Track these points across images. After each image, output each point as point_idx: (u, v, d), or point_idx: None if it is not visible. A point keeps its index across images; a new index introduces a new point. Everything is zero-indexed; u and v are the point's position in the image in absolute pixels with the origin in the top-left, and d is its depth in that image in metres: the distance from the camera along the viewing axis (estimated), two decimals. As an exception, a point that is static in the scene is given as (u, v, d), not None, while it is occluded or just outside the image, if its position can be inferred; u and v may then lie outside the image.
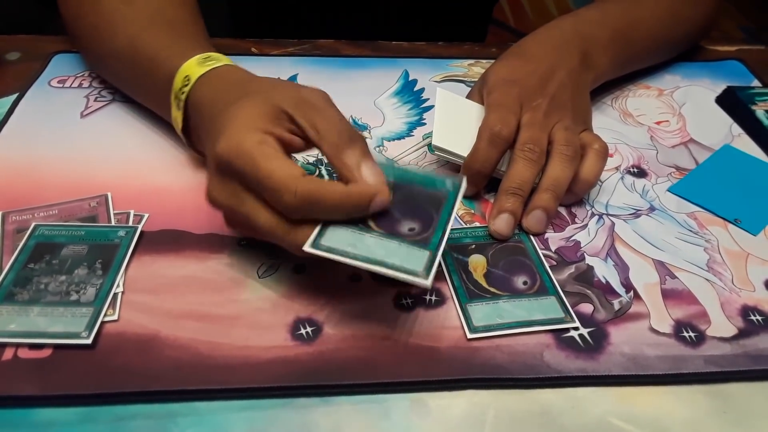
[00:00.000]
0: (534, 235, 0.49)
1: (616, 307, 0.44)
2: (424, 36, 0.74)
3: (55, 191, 0.50)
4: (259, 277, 0.44)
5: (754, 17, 2.12)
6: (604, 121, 0.62)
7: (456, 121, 0.53)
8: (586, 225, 0.51)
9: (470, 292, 0.44)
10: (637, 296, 0.45)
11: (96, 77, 0.63)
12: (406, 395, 0.38)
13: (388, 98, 0.64)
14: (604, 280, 0.46)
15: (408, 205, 0.42)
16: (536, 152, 0.49)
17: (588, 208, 0.52)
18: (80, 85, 0.62)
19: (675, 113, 0.65)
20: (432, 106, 0.63)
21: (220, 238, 0.47)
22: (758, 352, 0.42)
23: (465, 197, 0.52)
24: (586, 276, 0.46)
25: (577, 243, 0.49)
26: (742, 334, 0.43)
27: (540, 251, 0.47)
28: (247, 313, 0.42)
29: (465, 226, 0.49)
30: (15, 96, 0.60)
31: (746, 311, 0.45)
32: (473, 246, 0.47)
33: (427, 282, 0.37)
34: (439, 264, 0.38)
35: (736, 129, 0.63)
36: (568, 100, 0.54)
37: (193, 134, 0.49)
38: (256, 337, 0.41)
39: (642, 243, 0.49)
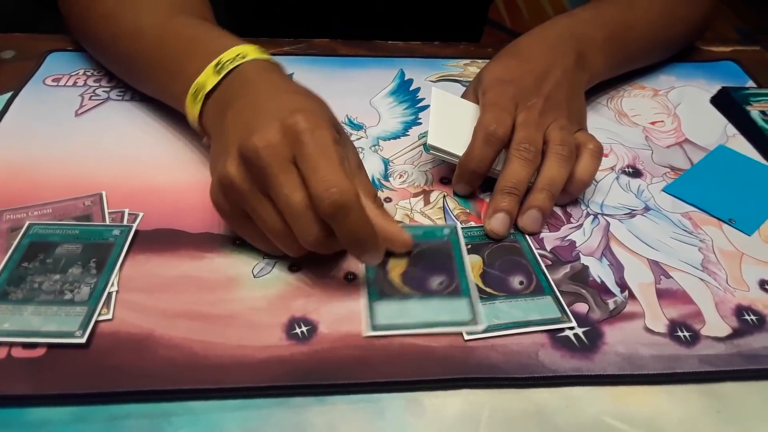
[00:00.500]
0: (529, 234, 0.49)
1: (611, 306, 0.44)
2: (419, 36, 0.74)
3: (50, 190, 0.49)
4: (254, 277, 0.44)
5: (749, 18, 2.13)
6: (600, 121, 0.63)
7: (451, 121, 0.53)
8: (582, 225, 0.51)
9: (465, 292, 0.44)
10: (632, 296, 0.45)
11: (91, 76, 0.62)
12: (401, 395, 0.38)
13: (384, 98, 0.64)
14: (599, 280, 0.46)
15: (425, 261, 0.46)
16: (532, 152, 0.49)
17: (583, 207, 0.52)
18: (75, 84, 0.62)
19: (670, 113, 0.65)
20: (427, 106, 0.62)
21: (214, 237, 0.47)
22: (752, 352, 0.42)
23: (460, 197, 0.52)
24: (581, 275, 0.46)
25: (572, 243, 0.49)
26: (736, 333, 0.43)
27: (536, 251, 0.48)
28: (242, 312, 0.42)
29: (461, 226, 0.49)
30: (9, 94, 0.59)
31: (740, 311, 0.45)
32: (469, 246, 0.47)
33: (480, 327, 0.41)
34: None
35: (731, 129, 0.63)
36: (563, 100, 0.54)
37: (214, 107, 0.48)
38: (250, 337, 0.40)
39: (637, 243, 0.49)
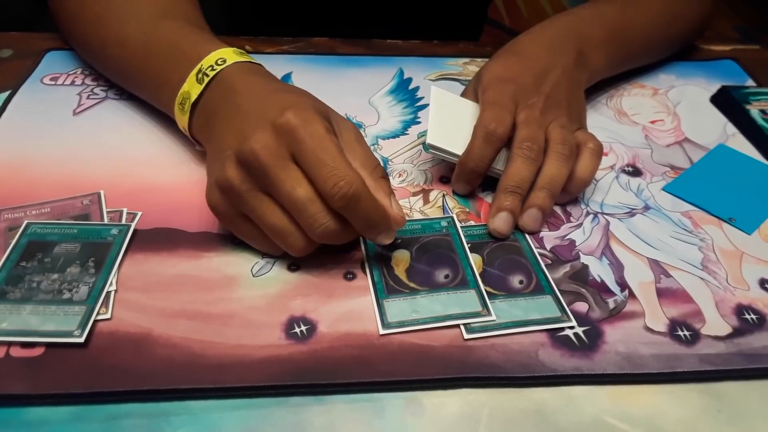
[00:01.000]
0: (529, 233, 0.49)
1: (611, 305, 0.44)
2: (419, 35, 0.74)
3: (48, 189, 0.49)
4: (253, 276, 0.44)
5: (749, 17, 2.13)
6: (599, 120, 0.62)
7: (451, 119, 0.53)
8: (581, 224, 0.51)
9: (465, 291, 0.44)
10: (631, 295, 0.45)
11: (89, 74, 0.62)
12: (400, 394, 0.38)
13: (383, 96, 0.63)
14: (599, 279, 0.46)
15: (428, 255, 0.46)
16: (534, 150, 0.49)
17: (583, 206, 0.52)
18: (73, 83, 0.61)
19: (670, 112, 0.65)
20: (427, 105, 0.62)
21: (213, 236, 0.47)
22: (752, 351, 0.42)
23: (460, 196, 0.52)
24: (581, 275, 0.46)
25: (572, 242, 0.49)
26: (736, 332, 0.43)
27: (535, 250, 0.47)
28: (241, 311, 0.42)
29: (461, 225, 0.49)
30: (7, 93, 0.59)
31: (741, 310, 0.45)
32: (469, 245, 0.47)
33: (493, 316, 0.42)
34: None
35: (731, 128, 0.63)
36: (563, 99, 0.54)
37: (201, 116, 0.48)
38: (249, 336, 0.40)
39: (637, 242, 0.49)
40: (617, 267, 0.47)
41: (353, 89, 0.64)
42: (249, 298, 0.43)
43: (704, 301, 0.45)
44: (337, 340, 0.40)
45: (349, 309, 0.43)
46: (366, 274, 0.45)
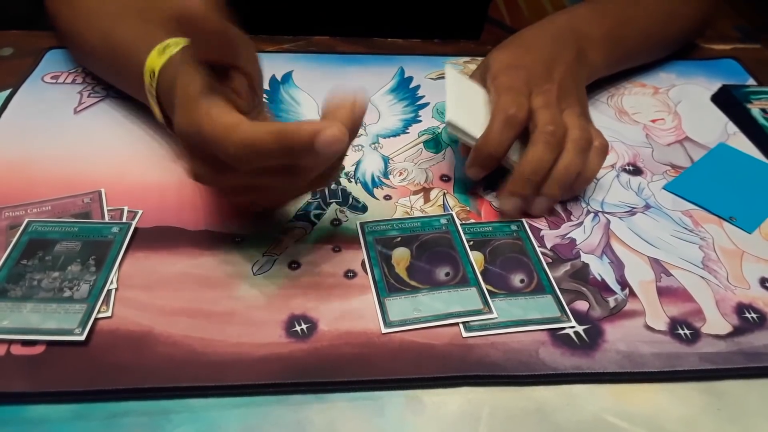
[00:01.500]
0: (532, 217, 0.49)
1: (612, 304, 0.44)
2: (419, 33, 0.74)
3: (49, 187, 0.49)
4: (254, 274, 0.44)
5: (750, 16, 2.12)
6: (600, 119, 0.62)
7: (466, 100, 0.52)
8: (582, 222, 0.51)
9: (465, 290, 0.44)
10: (632, 294, 0.45)
11: (90, 73, 0.62)
12: (400, 392, 0.38)
13: (384, 95, 0.63)
14: (599, 278, 0.46)
15: (428, 252, 0.46)
16: (557, 136, 0.48)
17: (584, 205, 0.52)
18: (74, 81, 0.61)
19: (670, 111, 0.65)
20: (427, 104, 0.62)
21: (214, 234, 0.47)
22: (753, 350, 0.42)
23: (461, 193, 0.52)
24: (581, 273, 0.46)
25: (573, 240, 0.49)
26: (737, 331, 0.43)
27: (537, 249, 0.47)
28: (242, 309, 0.42)
29: (461, 222, 0.49)
30: (8, 92, 0.59)
31: (741, 309, 0.45)
32: (471, 243, 0.47)
33: (494, 314, 0.42)
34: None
35: (732, 127, 0.63)
36: (573, 89, 0.53)
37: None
38: (250, 334, 0.40)
39: (637, 240, 0.49)
40: (618, 266, 0.47)
41: (354, 88, 0.63)
42: (249, 297, 0.43)
43: (705, 299, 0.45)
44: (337, 339, 0.40)
45: (350, 307, 0.43)
46: (366, 273, 0.45)
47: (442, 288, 0.44)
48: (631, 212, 0.52)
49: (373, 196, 0.52)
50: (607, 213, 0.52)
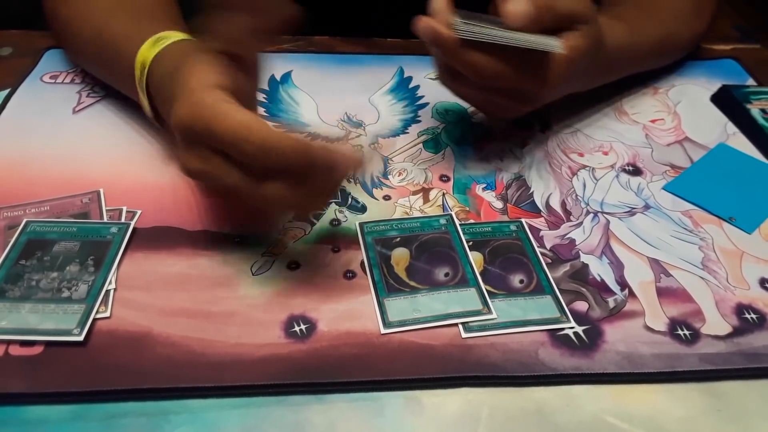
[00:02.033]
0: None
1: (611, 305, 0.44)
2: (419, 33, 0.73)
3: (47, 187, 0.49)
4: (253, 274, 0.44)
5: (749, 16, 2.12)
6: (599, 120, 0.62)
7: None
8: (581, 223, 0.51)
9: (465, 290, 0.44)
10: (632, 294, 0.45)
11: (89, 72, 0.62)
12: (400, 393, 0.38)
13: (383, 95, 0.63)
14: (599, 278, 0.46)
15: (428, 253, 0.46)
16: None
17: (583, 205, 0.52)
18: (72, 81, 0.61)
19: (670, 111, 0.65)
20: (426, 104, 0.62)
21: (213, 234, 0.47)
22: (753, 350, 0.42)
23: (461, 193, 0.52)
24: (581, 274, 0.46)
25: (572, 241, 0.49)
26: (736, 332, 0.43)
27: (537, 249, 0.47)
28: (241, 310, 0.42)
29: (460, 223, 0.49)
30: (6, 92, 0.59)
31: (741, 309, 0.45)
32: (470, 243, 0.47)
33: (494, 314, 0.42)
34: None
35: (731, 127, 0.63)
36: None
37: (163, 119, 0.48)
38: (249, 335, 0.40)
39: (637, 241, 0.49)
40: (617, 266, 0.47)
41: (353, 88, 0.64)
42: (248, 297, 0.43)
43: (704, 300, 0.45)
44: (336, 339, 0.40)
45: (349, 308, 0.42)
46: (366, 273, 0.45)
47: (442, 288, 0.43)
48: (631, 212, 0.52)
49: (372, 196, 0.52)
50: (607, 213, 0.52)
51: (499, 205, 0.52)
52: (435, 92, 0.64)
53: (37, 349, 0.39)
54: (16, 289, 0.41)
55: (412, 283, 0.44)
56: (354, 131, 0.58)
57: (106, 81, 0.58)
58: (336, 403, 0.38)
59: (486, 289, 0.44)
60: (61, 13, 0.58)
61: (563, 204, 0.52)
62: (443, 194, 0.52)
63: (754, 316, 0.44)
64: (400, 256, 0.46)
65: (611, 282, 0.46)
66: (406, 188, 0.53)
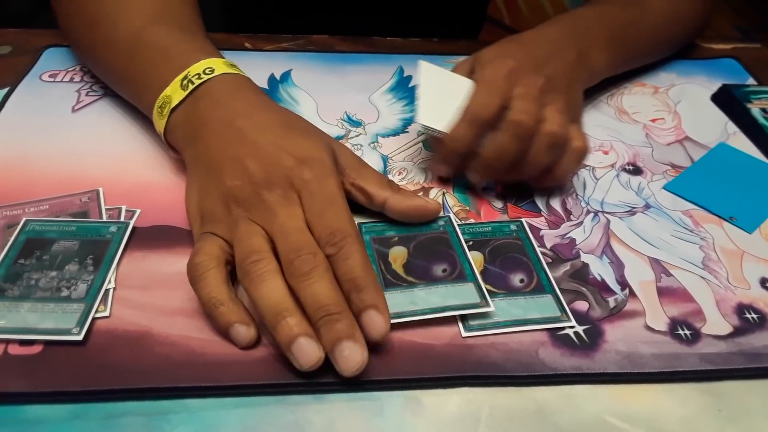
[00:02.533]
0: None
1: (612, 304, 0.44)
2: (418, 32, 0.73)
3: (46, 186, 0.49)
4: (253, 274, 0.44)
5: (749, 16, 2.12)
6: (600, 119, 0.62)
7: (441, 95, 0.51)
8: (582, 222, 0.50)
9: (465, 290, 0.44)
10: (632, 294, 0.45)
11: (88, 71, 0.62)
12: (399, 392, 0.38)
13: (383, 94, 0.63)
14: (599, 278, 0.46)
15: (426, 251, 0.46)
16: (525, 126, 0.47)
17: (583, 205, 0.52)
18: (72, 80, 0.61)
19: (670, 111, 0.64)
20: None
21: (213, 234, 0.47)
22: (753, 350, 0.42)
23: (461, 192, 0.52)
24: (581, 273, 0.46)
25: (573, 240, 0.49)
26: (737, 332, 0.43)
27: (537, 249, 0.47)
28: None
29: (461, 222, 0.49)
30: (6, 90, 0.59)
31: (741, 309, 0.44)
32: (470, 243, 0.47)
33: (492, 308, 0.42)
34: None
35: (732, 127, 0.63)
36: (563, 88, 0.52)
37: (185, 125, 0.47)
38: (249, 334, 0.40)
39: (637, 240, 0.49)
40: (618, 266, 0.47)
41: (353, 87, 0.63)
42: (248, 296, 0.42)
43: (705, 300, 0.45)
44: (336, 339, 0.40)
45: (349, 307, 0.42)
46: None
47: (439, 283, 0.43)
48: (631, 212, 0.52)
49: (372, 195, 0.51)
50: (607, 213, 0.52)
51: (499, 204, 0.52)
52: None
53: (36, 349, 0.38)
54: (15, 288, 0.41)
55: (410, 279, 0.44)
56: (354, 130, 0.58)
57: (116, 81, 0.57)
58: (335, 403, 0.37)
59: (486, 289, 0.43)
60: (88, 10, 0.56)
61: (563, 203, 0.52)
62: (443, 193, 0.52)
63: (754, 315, 0.44)
64: (398, 254, 0.46)
65: (612, 281, 0.46)
66: (406, 187, 0.53)
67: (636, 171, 0.56)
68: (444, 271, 0.44)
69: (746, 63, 0.72)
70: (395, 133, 0.59)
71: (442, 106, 0.51)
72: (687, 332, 0.42)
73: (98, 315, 0.40)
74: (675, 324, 0.43)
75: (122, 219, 0.47)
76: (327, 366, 0.38)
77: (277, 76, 0.64)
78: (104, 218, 0.47)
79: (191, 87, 0.47)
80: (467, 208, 0.51)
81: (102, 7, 0.56)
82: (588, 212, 0.52)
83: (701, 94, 0.67)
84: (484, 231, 0.48)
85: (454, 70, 0.56)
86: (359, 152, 0.56)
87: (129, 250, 0.45)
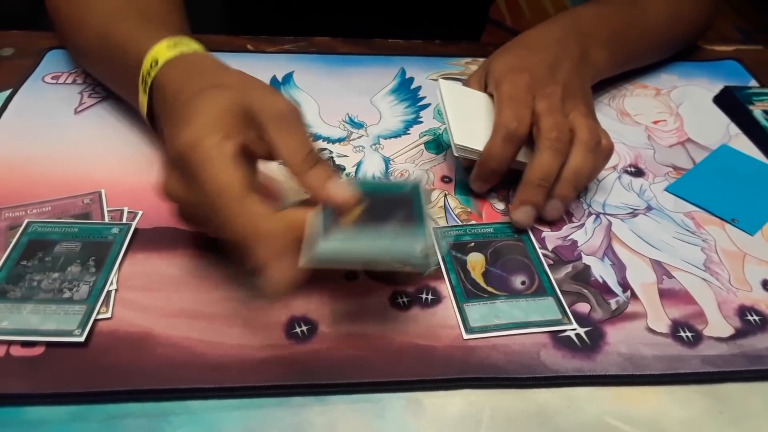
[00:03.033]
0: (549, 222, 0.49)
1: (613, 306, 0.44)
2: (420, 34, 0.74)
3: (49, 188, 0.49)
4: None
5: (750, 18, 2.12)
6: (602, 120, 0.62)
7: (467, 114, 0.52)
8: (583, 224, 0.50)
9: (467, 292, 0.44)
10: (634, 296, 0.45)
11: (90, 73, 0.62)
12: (401, 394, 0.38)
13: (385, 96, 0.63)
14: (601, 280, 0.46)
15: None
16: (562, 141, 0.48)
17: (585, 207, 0.52)
18: (74, 81, 0.61)
19: (672, 113, 0.64)
20: (428, 105, 0.62)
21: (214, 235, 0.47)
22: (755, 353, 0.41)
23: (462, 194, 0.52)
24: (583, 275, 0.46)
25: (574, 242, 0.49)
26: (739, 334, 0.43)
27: (539, 251, 0.47)
28: (242, 311, 0.42)
29: (463, 224, 0.49)
30: (8, 92, 0.59)
31: (743, 311, 0.44)
32: (472, 244, 0.47)
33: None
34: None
35: (734, 129, 0.63)
36: (578, 89, 0.53)
37: (157, 120, 0.47)
38: (250, 336, 0.40)
39: (639, 242, 0.49)
40: (619, 268, 0.47)
41: (355, 89, 0.64)
42: (250, 298, 0.43)
43: (707, 302, 0.45)
44: (338, 341, 0.40)
45: (350, 309, 0.42)
46: (367, 276, 0.44)
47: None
48: (633, 214, 0.52)
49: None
50: (609, 215, 0.52)
51: (500, 206, 0.52)
52: (436, 93, 0.64)
53: (38, 350, 0.38)
54: (18, 289, 0.41)
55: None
56: (355, 132, 0.58)
57: (106, 82, 0.58)
58: (337, 405, 0.38)
59: (487, 290, 0.43)
60: (64, 12, 0.57)
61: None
62: (445, 195, 0.52)
63: (756, 318, 0.44)
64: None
65: (613, 283, 0.46)
66: (408, 189, 0.53)
67: (638, 173, 0.56)
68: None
69: (748, 65, 0.72)
70: (397, 135, 0.59)
71: (472, 125, 0.51)
72: (688, 334, 0.42)
73: (100, 316, 0.40)
74: (676, 326, 0.43)
75: (124, 221, 0.47)
76: (327, 366, 0.38)
77: (279, 78, 0.64)
78: (106, 220, 0.47)
79: (147, 87, 0.46)
80: (469, 209, 0.51)
81: (75, 7, 0.56)
82: (590, 214, 0.51)
83: (703, 96, 0.67)
84: (486, 232, 0.48)
85: (467, 84, 0.56)
86: (360, 154, 0.56)
87: (131, 251, 0.45)
